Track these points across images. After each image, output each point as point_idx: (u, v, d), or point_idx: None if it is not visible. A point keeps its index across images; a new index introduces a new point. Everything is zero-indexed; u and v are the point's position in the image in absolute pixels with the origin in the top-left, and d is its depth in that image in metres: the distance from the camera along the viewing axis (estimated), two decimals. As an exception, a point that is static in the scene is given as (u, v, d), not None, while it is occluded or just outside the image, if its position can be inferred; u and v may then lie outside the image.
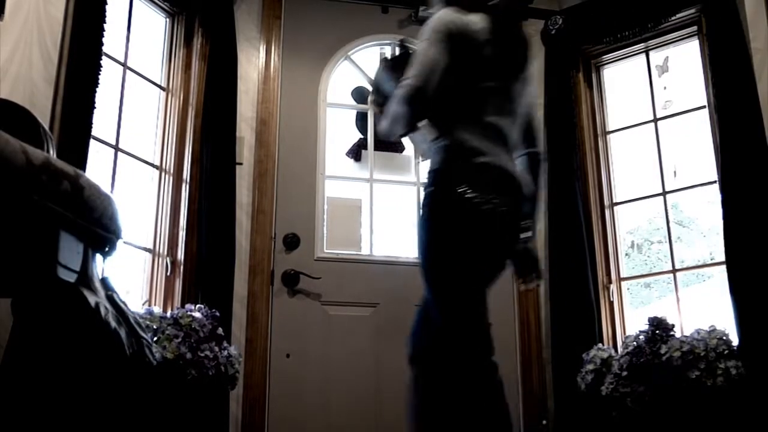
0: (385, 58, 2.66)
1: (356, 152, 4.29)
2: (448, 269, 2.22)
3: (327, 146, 4.06)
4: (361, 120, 4.31)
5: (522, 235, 2.35)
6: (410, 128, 2.33)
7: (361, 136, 4.28)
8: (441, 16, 2.36)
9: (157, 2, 3.77)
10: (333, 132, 4.16)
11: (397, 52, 2.59)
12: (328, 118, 4.11)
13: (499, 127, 2.33)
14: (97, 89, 3.02)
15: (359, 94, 4.25)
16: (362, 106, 4.25)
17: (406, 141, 4.24)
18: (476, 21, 2.36)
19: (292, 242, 3.79)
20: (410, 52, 2.47)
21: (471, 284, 2.23)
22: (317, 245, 3.85)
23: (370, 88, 2.78)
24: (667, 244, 4.13)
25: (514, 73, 2.49)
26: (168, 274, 3.52)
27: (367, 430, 3.64)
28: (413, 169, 4.19)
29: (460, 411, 2.11)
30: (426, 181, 2.32)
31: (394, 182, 4.24)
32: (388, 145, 4.21)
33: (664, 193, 4.06)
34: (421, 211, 2.30)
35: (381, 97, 2.46)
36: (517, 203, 2.31)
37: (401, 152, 4.31)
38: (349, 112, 4.36)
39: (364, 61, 4.25)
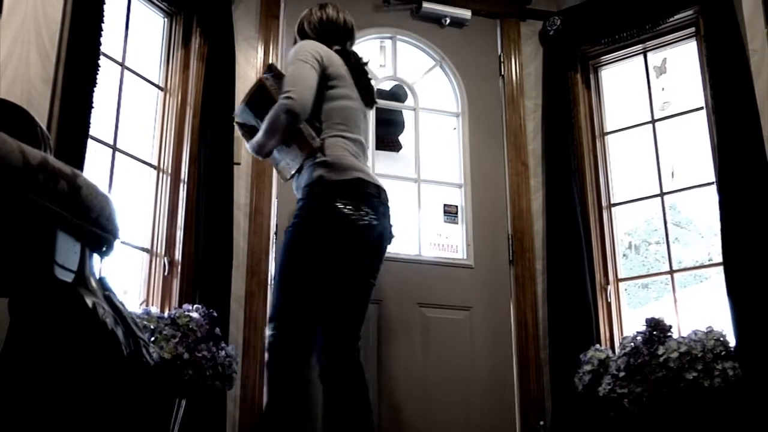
0: (245, 99, 2.87)
1: None
2: (301, 276, 2.53)
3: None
4: None
5: (392, 233, 2.71)
6: (285, 141, 2.62)
7: None
8: (306, 43, 2.76)
9: (155, 2, 3.77)
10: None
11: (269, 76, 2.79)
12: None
13: (363, 144, 2.74)
14: (95, 89, 3.01)
15: None
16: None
17: (403, 139, 4.25)
18: (334, 53, 2.79)
19: None
20: (268, 87, 2.71)
21: (316, 292, 2.54)
22: None
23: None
24: (665, 245, 4.14)
25: (365, 100, 2.86)
26: (165, 274, 3.51)
27: None
28: (413, 167, 4.14)
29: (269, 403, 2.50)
30: (301, 194, 2.63)
31: (394, 177, 4.08)
32: (386, 143, 4.19)
33: (662, 194, 4.06)
34: (293, 220, 2.57)
35: (245, 128, 2.87)
36: (385, 216, 2.67)
37: (398, 151, 4.31)
38: None
39: (365, 54, 4.18)
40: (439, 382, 3.72)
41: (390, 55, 4.27)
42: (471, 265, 3.97)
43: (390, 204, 2.73)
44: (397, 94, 4.31)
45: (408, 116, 4.28)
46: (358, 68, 2.85)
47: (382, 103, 4.12)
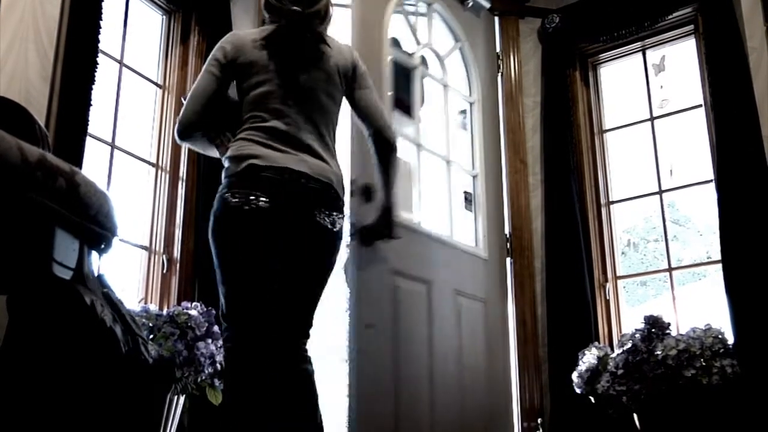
0: None
1: (407, 109, 3.73)
2: (222, 268, 2.42)
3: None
4: (396, 74, 3.64)
5: (318, 221, 2.42)
6: (212, 146, 2.57)
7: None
8: (220, 42, 2.63)
9: (154, -1, 3.77)
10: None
11: None
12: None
13: (280, 129, 2.46)
14: (93, 86, 3.01)
15: (395, 45, 3.74)
16: (407, 60, 3.71)
17: (426, 110, 3.96)
18: (254, 33, 2.60)
19: (368, 194, 3.08)
20: None
21: (239, 280, 2.38)
22: None
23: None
24: (663, 243, 4.15)
25: (302, 70, 2.55)
26: (164, 271, 3.51)
27: (423, 409, 3.32)
28: (443, 144, 3.83)
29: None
30: None
31: (435, 153, 3.77)
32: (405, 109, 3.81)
33: (661, 192, 4.06)
34: None
35: None
36: (299, 195, 2.40)
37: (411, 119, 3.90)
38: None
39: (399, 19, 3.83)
40: (466, 376, 3.53)
41: (425, 24, 3.92)
42: (486, 257, 3.85)
43: (315, 185, 2.44)
44: (424, 62, 3.92)
45: (437, 90, 3.92)
46: (292, 37, 2.58)
47: (423, 71, 3.79)
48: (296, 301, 2.44)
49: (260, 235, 2.36)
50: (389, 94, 3.44)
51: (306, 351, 2.45)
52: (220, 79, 2.53)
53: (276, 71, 2.51)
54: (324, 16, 2.60)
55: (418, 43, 3.82)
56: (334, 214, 2.46)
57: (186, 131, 2.53)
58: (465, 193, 3.93)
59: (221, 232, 2.41)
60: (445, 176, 3.79)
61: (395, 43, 3.72)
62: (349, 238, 2.88)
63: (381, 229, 2.76)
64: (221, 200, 2.41)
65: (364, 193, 2.98)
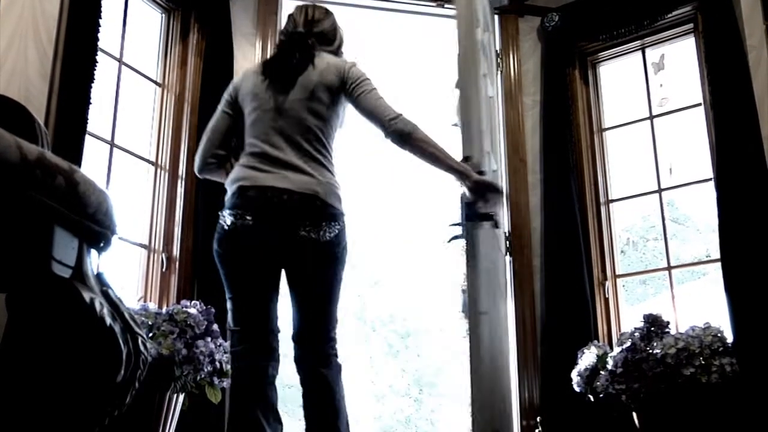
0: None
1: None
2: (224, 281, 2.63)
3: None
4: None
5: (302, 234, 2.52)
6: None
7: None
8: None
9: (153, -2, 3.77)
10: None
11: None
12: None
13: (261, 150, 2.62)
14: (93, 85, 3.01)
15: None
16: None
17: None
18: (254, 68, 2.83)
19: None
20: None
21: (235, 291, 2.61)
22: None
23: None
24: (663, 242, 4.15)
25: (283, 92, 2.69)
26: (163, 270, 3.52)
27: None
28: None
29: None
30: None
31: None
32: None
33: (660, 191, 4.07)
34: None
35: None
36: (282, 211, 2.52)
37: None
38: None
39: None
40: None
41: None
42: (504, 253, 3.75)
43: (298, 199, 2.54)
44: None
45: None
46: (279, 60, 2.76)
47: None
48: (302, 310, 2.59)
49: (247, 250, 2.54)
50: (490, 95, 3.27)
51: (327, 355, 2.57)
52: (229, 115, 2.78)
53: (263, 97, 2.69)
54: (325, 38, 2.82)
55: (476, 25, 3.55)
56: (323, 224, 2.53)
57: (200, 165, 2.81)
58: None
59: (217, 250, 2.62)
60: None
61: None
62: (464, 219, 2.74)
63: (480, 199, 2.63)
64: (218, 222, 2.63)
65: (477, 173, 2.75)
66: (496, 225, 2.74)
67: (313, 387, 2.54)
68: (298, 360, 2.58)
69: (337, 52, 2.85)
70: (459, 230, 2.71)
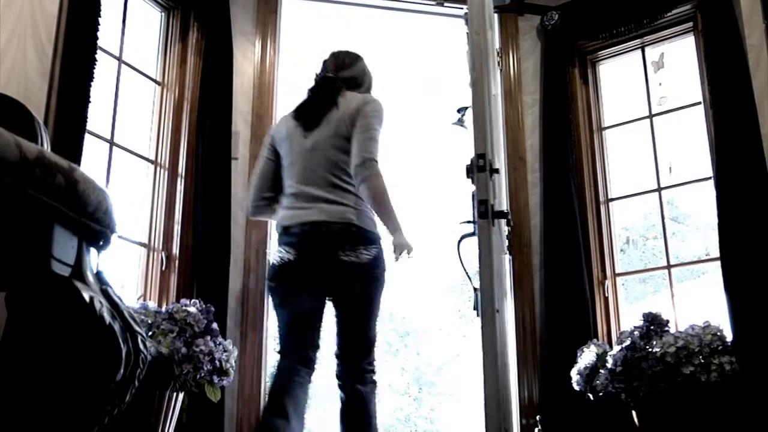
0: None
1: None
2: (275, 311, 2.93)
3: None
4: None
5: (343, 258, 2.77)
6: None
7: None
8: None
9: (153, -4, 3.77)
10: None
11: None
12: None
13: (298, 190, 2.92)
14: (92, 83, 3.01)
15: None
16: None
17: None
18: (288, 114, 3.11)
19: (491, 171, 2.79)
20: None
21: (285, 320, 2.87)
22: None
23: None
24: (662, 240, 4.15)
25: (311, 133, 2.97)
26: (163, 268, 3.51)
27: None
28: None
29: None
30: None
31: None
32: None
33: (660, 189, 4.07)
34: None
35: None
36: (322, 241, 2.80)
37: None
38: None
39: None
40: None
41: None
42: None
43: (335, 228, 2.80)
44: None
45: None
46: (309, 103, 3.05)
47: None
48: (343, 329, 2.85)
49: (295, 283, 2.82)
50: (494, 93, 3.16)
51: (364, 371, 2.81)
52: (270, 161, 3.08)
53: (296, 140, 2.97)
54: (354, 82, 3.09)
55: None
56: (360, 248, 2.78)
57: (252, 209, 3.15)
58: None
59: (269, 284, 2.97)
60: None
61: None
62: (477, 217, 2.72)
63: (397, 254, 2.94)
64: (270, 260, 3.04)
65: (490, 169, 2.76)
66: (509, 224, 2.82)
67: (349, 401, 2.77)
68: (339, 375, 2.82)
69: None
70: (470, 228, 2.73)
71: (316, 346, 2.85)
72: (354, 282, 2.80)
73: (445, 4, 4.29)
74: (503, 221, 2.75)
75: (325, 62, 3.15)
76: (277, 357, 2.87)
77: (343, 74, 3.07)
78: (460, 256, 2.85)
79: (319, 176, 2.89)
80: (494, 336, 2.64)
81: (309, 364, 2.81)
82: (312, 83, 3.12)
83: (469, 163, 2.66)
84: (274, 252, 2.91)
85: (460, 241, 2.83)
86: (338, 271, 2.76)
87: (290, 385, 2.74)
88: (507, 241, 3.97)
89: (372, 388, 2.79)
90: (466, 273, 2.84)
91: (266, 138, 3.17)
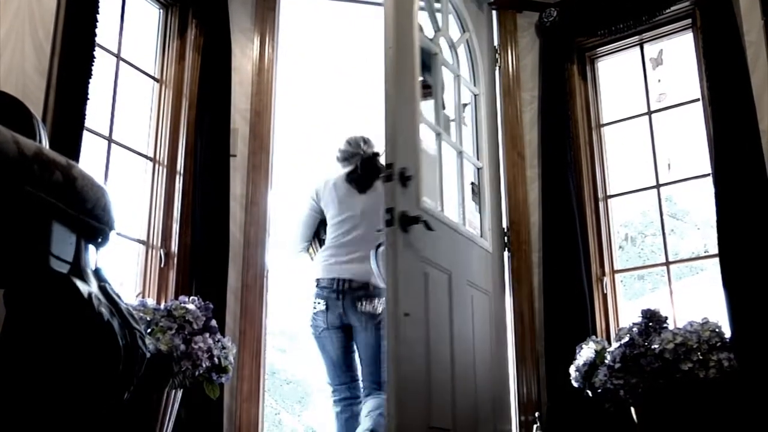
0: None
1: (423, 94, 3.66)
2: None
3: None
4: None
5: (363, 309, 3.59)
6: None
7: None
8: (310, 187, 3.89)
9: (151, -7, 3.76)
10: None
11: None
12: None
13: (347, 240, 3.67)
14: (90, 80, 3.00)
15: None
16: (432, 47, 3.54)
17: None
18: (335, 175, 3.83)
19: (406, 179, 2.99)
20: None
21: (327, 357, 3.70)
22: (420, 191, 3.18)
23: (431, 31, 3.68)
24: (661, 237, 4.15)
25: (361, 199, 3.73)
26: (162, 265, 3.51)
27: (447, 394, 3.24)
28: (454, 133, 3.72)
29: None
30: None
31: (450, 144, 3.67)
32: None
33: (658, 186, 4.06)
34: None
35: None
36: (347, 295, 3.59)
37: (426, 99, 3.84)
38: None
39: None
40: (477, 366, 3.48)
41: (444, 7, 3.81)
42: (490, 250, 3.81)
43: (357, 285, 3.57)
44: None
45: (447, 80, 3.77)
46: (359, 173, 3.73)
47: (443, 59, 3.66)
48: (363, 361, 3.64)
49: (328, 327, 3.62)
50: (419, 79, 3.36)
51: (377, 390, 3.55)
52: (313, 214, 3.81)
53: (347, 204, 3.69)
54: (377, 156, 3.77)
55: (437, 29, 3.68)
56: (375, 300, 3.57)
57: (293, 253, 3.89)
58: (472, 184, 3.90)
59: (311, 327, 3.68)
60: (457, 167, 3.68)
61: (420, 29, 3.51)
62: (384, 224, 2.88)
63: None
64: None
65: (400, 178, 2.91)
66: (427, 227, 3.01)
67: (367, 407, 3.49)
68: (363, 395, 3.61)
69: None
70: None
71: (356, 379, 3.71)
72: (369, 327, 3.58)
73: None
74: (420, 225, 2.96)
75: (356, 143, 3.81)
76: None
77: (374, 152, 3.78)
78: (378, 263, 3.35)
79: (363, 237, 3.60)
80: (401, 340, 2.81)
81: (356, 399, 3.69)
82: (356, 161, 3.76)
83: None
84: (314, 300, 3.63)
85: (376, 249, 3.33)
86: (358, 318, 3.58)
87: (352, 419, 3.62)
88: (505, 237, 3.98)
89: (381, 401, 3.41)
90: (383, 279, 3.21)
91: (310, 195, 3.80)
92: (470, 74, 4.03)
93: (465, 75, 3.95)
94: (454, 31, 3.92)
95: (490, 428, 3.51)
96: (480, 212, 3.88)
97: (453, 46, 3.83)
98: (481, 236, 3.80)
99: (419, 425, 2.90)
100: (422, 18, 3.61)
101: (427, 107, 3.57)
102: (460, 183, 3.70)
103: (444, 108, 3.68)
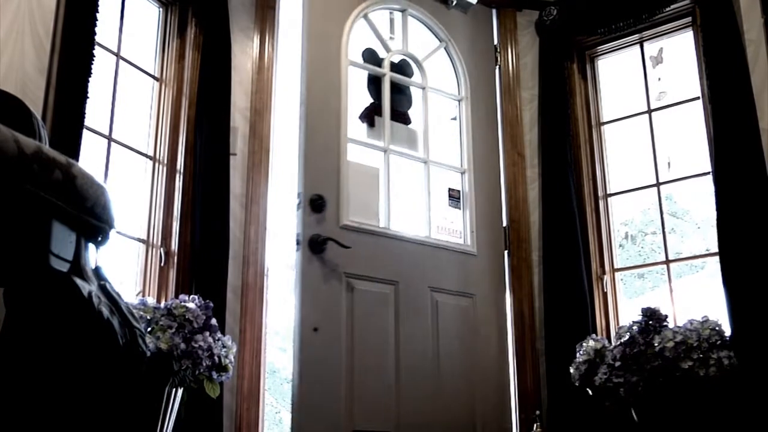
0: None
1: (370, 117, 3.89)
2: None
3: (349, 107, 3.69)
4: (372, 84, 3.94)
5: None
6: None
7: (372, 101, 3.92)
8: None
9: (151, -8, 3.76)
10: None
11: None
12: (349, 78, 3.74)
13: None
14: (90, 79, 3.00)
15: (371, 56, 3.95)
16: (379, 70, 3.90)
17: (412, 113, 4.07)
18: None
19: (318, 205, 3.38)
20: None
21: None
22: (342, 212, 3.48)
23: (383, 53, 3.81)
24: (661, 235, 4.15)
25: None
26: (162, 264, 3.51)
27: (387, 408, 3.46)
28: (421, 145, 3.95)
29: None
30: None
31: (407, 155, 3.92)
32: (396, 115, 3.91)
33: (658, 185, 4.06)
34: None
35: None
36: None
37: (408, 124, 4.04)
38: (361, 73, 3.93)
39: (376, 24, 4.03)
40: (447, 369, 3.65)
41: (400, 29, 4.09)
42: (474, 253, 3.91)
43: None
44: (404, 67, 4.06)
45: (416, 94, 4.06)
46: None
47: (397, 77, 3.95)
48: None
49: None
50: (346, 106, 3.67)
51: None
52: None
53: None
54: None
55: (387, 50, 3.97)
56: None
57: None
58: (450, 190, 3.97)
59: None
60: (424, 177, 3.90)
61: (370, 53, 3.93)
62: (295, 246, 3.28)
63: None
64: None
65: (311, 204, 3.35)
66: (341, 245, 3.30)
67: None
68: None
69: None
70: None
71: None
72: None
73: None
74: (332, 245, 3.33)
75: None
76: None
77: None
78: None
79: None
80: (303, 356, 3.17)
81: None
82: None
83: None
84: None
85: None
86: None
87: None
88: (505, 236, 3.98)
89: None
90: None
91: None
92: (456, 81, 4.20)
93: (447, 85, 4.16)
94: (429, 44, 4.15)
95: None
96: (463, 215, 3.99)
97: (418, 62, 4.07)
98: (462, 239, 3.92)
99: (333, 427, 3.24)
100: (372, 43, 3.97)
101: (381, 127, 3.86)
102: (427, 192, 3.87)
103: (410, 123, 4.00)
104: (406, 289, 3.61)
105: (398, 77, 3.97)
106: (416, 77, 4.07)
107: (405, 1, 4.07)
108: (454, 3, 4.19)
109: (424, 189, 3.89)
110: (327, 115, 3.58)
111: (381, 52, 3.98)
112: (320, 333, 3.28)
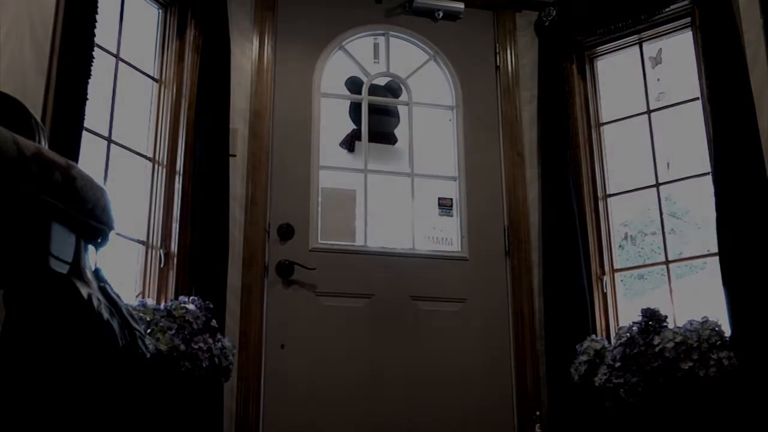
0: None
1: (350, 143, 4.27)
2: None
3: (321, 137, 4.02)
4: (354, 111, 4.27)
5: None
6: None
7: (355, 127, 4.26)
8: None
9: (150, -7, 3.76)
10: (327, 122, 4.16)
11: None
12: (323, 109, 4.09)
13: None
14: (89, 81, 3.00)
15: (353, 84, 4.23)
16: (356, 96, 4.22)
17: (398, 132, 4.27)
18: None
19: (286, 232, 3.79)
20: None
21: None
22: (312, 236, 3.84)
23: (364, 79, 3.99)
24: (661, 236, 4.14)
25: None
26: (161, 266, 3.51)
27: (362, 420, 3.65)
28: (407, 161, 4.16)
29: None
30: None
31: (388, 173, 4.21)
32: (381, 136, 4.22)
33: (658, 185, 4.06)
34: None
35: None
36: None
37: (394, 144, 4.30)
38: (343, 102, 4.32)
39: (358, 51, 4.25)
40: (435, 375, 3.76)
41: (383, 52, 4.29)
42: (466, 257, 4.00)
43: None
44: (393, 88, 4.30)
45: (402, 111, 4.29)
46: None
47: (376, 99, 4.22)
48: None
49: None
50: (318, 137, 3.99)
51: None
52: None
53: None
54: None
55: (367, 75, 4.22)
56: None
57: None
58: (440, 199, 4.06)
59: None
60: (408, 191, 4.09)
61: (352, 82, 4.22)
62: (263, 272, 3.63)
63: None
64: None
65: (278, 232, 3.75)
66: (306, 268, 3.74)
67: None
68: None
69: None
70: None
71: None
72: None
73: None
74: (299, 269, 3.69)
75: None
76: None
77: None
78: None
79: None
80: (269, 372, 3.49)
81: None
82: None
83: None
84: None
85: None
86: None
87: None
88: (505, 236, 3.98)
89: None
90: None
91: None
92: (449, 89, 4.31)
93: (436, 97, 4.32)
94: (418, 59, 4.33)
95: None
96: (456, 222, 4.10)
97: (401, 80, 4.25)
98: (453, 246, 4.05)
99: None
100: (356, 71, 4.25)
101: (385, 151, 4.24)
102: (411, 205, 4.05)
103: (395, 142, 4.30)
104: (381, 300, 3.83)
105: (378, 100, 4.24)
106: (404, 96, 4.26)
107: (387, 26, 4.26)
108: (441, 16, 4.28)
109: (408, 202, 4.06)
110: (296, 147, 3.93)
111: (364, 78, 4.21)
112: (287, 349, 3.65)
